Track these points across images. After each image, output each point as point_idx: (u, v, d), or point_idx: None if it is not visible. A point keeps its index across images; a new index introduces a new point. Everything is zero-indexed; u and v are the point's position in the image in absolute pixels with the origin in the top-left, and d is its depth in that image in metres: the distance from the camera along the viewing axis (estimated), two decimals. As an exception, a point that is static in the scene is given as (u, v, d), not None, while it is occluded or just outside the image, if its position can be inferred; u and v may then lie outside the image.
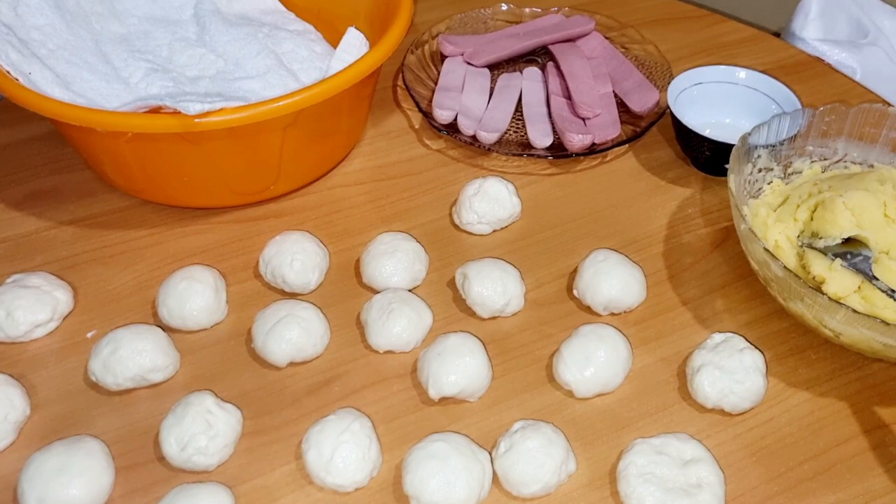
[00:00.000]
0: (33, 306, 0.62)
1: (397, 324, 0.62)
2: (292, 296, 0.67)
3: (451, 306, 0.67)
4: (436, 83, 0.88)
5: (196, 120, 0.61)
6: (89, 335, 0.64)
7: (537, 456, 0.54)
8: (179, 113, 0.62)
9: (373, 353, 0.63)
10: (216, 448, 0.55)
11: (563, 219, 0.75)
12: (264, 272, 0.68)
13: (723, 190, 0.79)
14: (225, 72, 0.82)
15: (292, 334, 0.61)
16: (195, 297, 0.63)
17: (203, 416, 0.55)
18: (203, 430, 0.54)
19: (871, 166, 0.72)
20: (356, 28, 0.76)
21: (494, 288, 0.65)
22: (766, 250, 0.58)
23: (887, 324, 0.53)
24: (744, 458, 0.57)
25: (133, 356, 0.58)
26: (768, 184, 0.72)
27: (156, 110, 0.68)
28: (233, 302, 0.67)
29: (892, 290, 0.58)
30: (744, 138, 0.68)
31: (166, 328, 0.63)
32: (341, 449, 0.53)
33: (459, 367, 0.59)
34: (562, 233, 0.74)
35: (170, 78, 0.79)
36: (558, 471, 0.54)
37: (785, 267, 0.57)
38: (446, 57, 0.91)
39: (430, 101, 0.85)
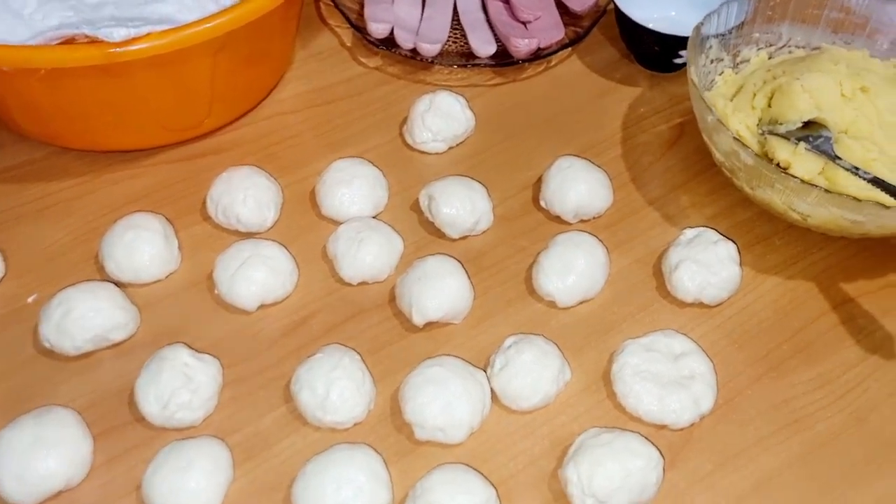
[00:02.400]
0: (-39, 275, 0.58)
1: (369, 253, 0.62)
2: (249, 235, 0.66)
3: (418, 230, 0.68)
4: (361, -5, 0.86)
5: (119, 49, 0.58)
6: (30, 300, 0.61)
7: (534, 368, 0.56)
8: (99, 42, 0.58)
9: (346, 286, 0.63)
10: (200, 401, 0.54)
11: (517, 129, 0.76)
12: (214, 213, 0.66)
13: (671, 86, 0.81)
14: (132, -5, 0.77)
15: (259, 275, 0.60)
16: (144, 246, 0.61)
17: (180, 369, 0.54)
18: (183, 384, 0.54)
19: (816, 49, 0.76)
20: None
21: (463, 206, 0.65)
22: (736, 139, 0.61)
23: (858, 200, 0.57)
24: (727, 346, 0.61)
25: (90, 315, 0.56)
26: (720, 74, 0.74)
27: (68, 42, 0.63)
28: (185, 248, 0.65)
29: (856, 168, 0.61)
30: (697, 28, 0.69)
31: (118, 283, 0.61)
32: (335, 386, 0.54)
33: (442, 290, 0.59)
34: (518, 143, 0.75)
35: (68, 6, 0.73)
36: (556, 380, 0.56)
37: (756, 154, 0.60)
38: (369, -35, 0.88)
39: (360, 14, 0.82)
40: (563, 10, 0.85)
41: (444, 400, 0.54)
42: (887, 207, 0.57)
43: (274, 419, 0.56)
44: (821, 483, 0.54)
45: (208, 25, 0.60)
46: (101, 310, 0.57)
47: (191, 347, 0.57)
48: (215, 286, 0.61)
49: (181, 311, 0.61)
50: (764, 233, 0.68)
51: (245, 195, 0.64)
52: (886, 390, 0.59)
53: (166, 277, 0.63)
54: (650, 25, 0.78)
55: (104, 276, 0.62)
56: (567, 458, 0.52)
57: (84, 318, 0.56)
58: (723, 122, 0.62)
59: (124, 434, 0.54)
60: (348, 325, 0.61)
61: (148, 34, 0.58)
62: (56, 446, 0.51)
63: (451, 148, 0.74)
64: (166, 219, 0.65)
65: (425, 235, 0.67)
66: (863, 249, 0.67)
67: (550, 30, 0.82)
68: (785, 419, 0.57)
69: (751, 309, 0.63)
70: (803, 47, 0.76)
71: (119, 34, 0.57)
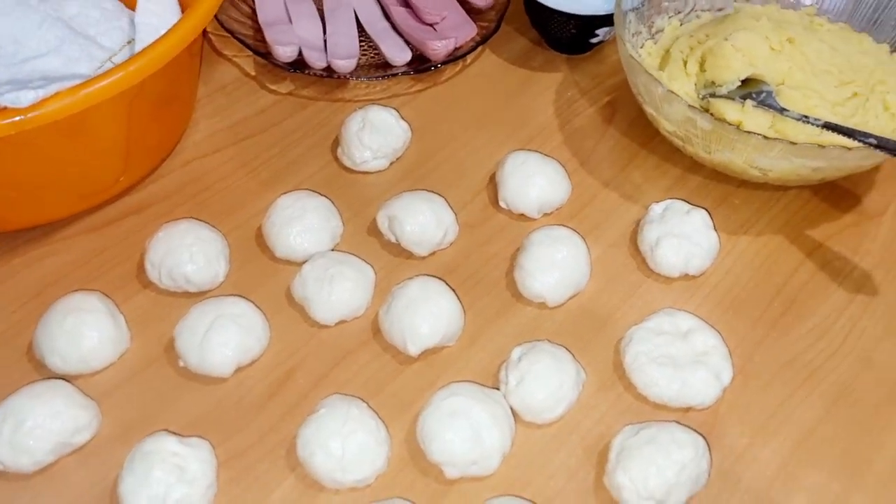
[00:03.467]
0: None
1: (343, 289, 0.57)
2: (200, 295, 0.59)
3: (382, 254, 0.63)
4: (251, 19, 0.80)
5: (30, 115, 0.50)
6: (-38, 419, 0.51)
7: (553, 376, 0.52)
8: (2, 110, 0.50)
9: (323, 328, 0.58)
10: (199, 493, 0.47)
11: (452, 133, 0.73)
12: (157, 278, 0.58)
13: (589, 66, 0.80)
14: (3, 56, 0.68)
15: (231, 337, 0.53)
16: (90, 330, 0.53)
17: (170, 461, 0.47)
18: (177, 477, 0.47)
19: (720, 10, 0.77)
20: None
21: (427, 221, 0.61)
22: (692, 107, 0.60)
23: (822, 146, 0.57)
24: (724, 314, 0.60)
25: (46, 423, 0.48)
26: (641, 48, 0.74)
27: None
28: (132, 323, 0.57)
29: (805, 116, 0.62)
30: (619, 3, 0.68)
31: (64, 378, 0.52)
32: (351, 441, 0.48)
33: (433, 314, 0.55)
34: (458, 147, 0.71)
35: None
36: (576, 384, 0.53)
37: (714, 118, 0.60)
38: (250, -13, 0.82)
39: (256, 40, 0.76)
40: (466, 6, 0.83)
41: (470, 431, 0.49)
42: (849, 149, 0.58)
43: (285, 492, 0.50)
44: (852, 433, 0.54)
45: (123, 74, 0.53)
46: (57, 414, 0.49)
47: (172, 433, 0.49)
48: (179, 358, 0.54)
49: (145, 394, 0.54)
50: (720, 194, 0.68)
51: (190, 252, 0.57)
52: (881, 326, 0.59)
53: (119, 359, 0.55)
54: (559, 8, 0.76)
55: (46, 373, 0.54)
56: (612, 464, 0.49)
57: (40, 427, 0.48)
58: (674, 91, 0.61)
59: (118, 549, 0.47)
60: (337, 372, 0.56)
61: (58, 93, 0.50)
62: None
63: (392, 164, 0.69)
64: (103, 294, 0.57)
65: (392, 259, 0.63)
66: (814, 195, 0.68)
67: (461, 27, 0.79)
68: (799, 377, 0.57)
69: (733, 272, 0.63)
70: (709, 10, 0.77)
71: (28, 98, 0.49)
